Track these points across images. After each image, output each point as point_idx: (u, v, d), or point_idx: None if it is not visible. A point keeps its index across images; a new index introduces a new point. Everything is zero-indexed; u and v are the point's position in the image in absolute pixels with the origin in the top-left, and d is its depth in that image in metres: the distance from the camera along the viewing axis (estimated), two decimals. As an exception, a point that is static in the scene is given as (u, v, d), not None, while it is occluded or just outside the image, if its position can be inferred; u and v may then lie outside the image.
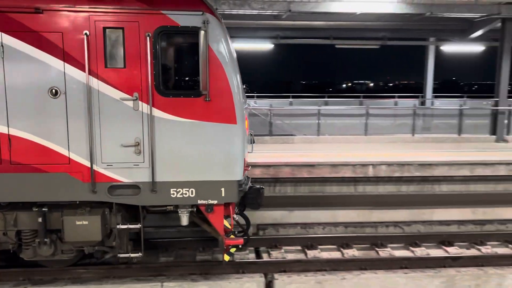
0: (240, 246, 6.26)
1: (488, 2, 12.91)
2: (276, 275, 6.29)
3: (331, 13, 13.61)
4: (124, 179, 5.71)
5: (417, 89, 27.53)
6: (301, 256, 7.67)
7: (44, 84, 5.48)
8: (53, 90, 5.49)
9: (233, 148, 5.79)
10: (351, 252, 7.74)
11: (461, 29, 16.57)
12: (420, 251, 7.86)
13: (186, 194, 5.79)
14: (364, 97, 23.35)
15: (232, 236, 6.26)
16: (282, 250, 7.72)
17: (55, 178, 5.62)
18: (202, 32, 5.33)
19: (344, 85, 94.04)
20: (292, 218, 9.11)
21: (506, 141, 14.41)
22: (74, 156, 5.61)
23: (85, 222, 5.75)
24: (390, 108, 18.20)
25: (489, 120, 14.70)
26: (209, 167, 5.76)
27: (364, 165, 10.47)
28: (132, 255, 6.13)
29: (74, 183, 5.65)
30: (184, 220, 6.06)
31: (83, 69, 5.48)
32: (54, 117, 5.53)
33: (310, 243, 7.98)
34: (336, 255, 7.73)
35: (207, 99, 5.60)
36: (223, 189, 5.82)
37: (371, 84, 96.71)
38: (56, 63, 5.47)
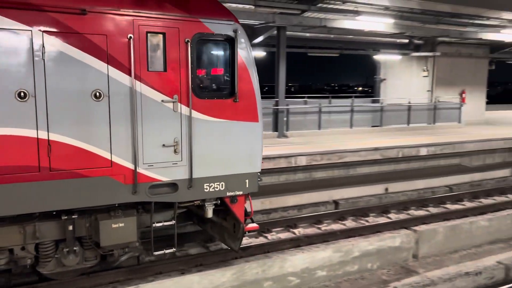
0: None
1: (265, 11, 14.24)
2: None
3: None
4: (163, 178, 5.87)
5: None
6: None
7: (87, 87, 5.32)
8: (97, 93, 5.37)
9: (255, 143, 6.46)
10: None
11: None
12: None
13: (217, 187, 6.23)
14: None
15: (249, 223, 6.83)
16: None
17: (96, 182, 5.48)
18: (232, 40, 6.02)
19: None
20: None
21: (286, 136, 16.17)
22: (116, 159, 5.56)
23: (121, 224, 5.73)
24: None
25: (271, 118, 16.24)
26: (236, 162, 6.32)
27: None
28: (167, 251, 6.27)
29: (116, 185, 5.60)
30: (210, 213, 6.46)
31: (126, 72, 5.48)
32: (96, 121, 5.40)
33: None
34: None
35: (236, 100, 6.15)
36: (247, 181, 6.44)
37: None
38: (100, 66, 5.35)
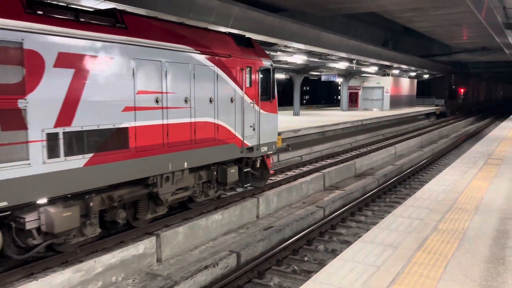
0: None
1: None
2: None
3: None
4: (250, 144, 10.70)
5: None
6: None
7: (228, 96, 9.90)
8: (231, 99, 10.00)
9: (276, 125, 11.85)
10: None
11: None
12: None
13: (265, 149, 11.32)
14: None
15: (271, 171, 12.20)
16: None
17: (230, 146, 10.04)
18: (271, 69, 11.23)
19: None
20: None
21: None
22: (236, 134, 10.22)
23: (233, 171, 10.39)
24: None
25: None
26: (271, 135, 11.56)
27: None
28: (245, 185, 11.14)
29: (236, 148, 10.25)
30: (258, 164, 11.39)
31: (240, 88, 10.27)
32: (231, 113, 10.00)
33: None
34: None
35: (271, 101, 11.40)
36: (274, 146, 11.71)
37: None
38: (232, 84, 10.02)
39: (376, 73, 40.29)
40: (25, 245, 6.61)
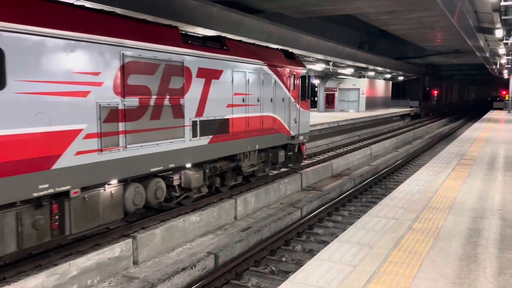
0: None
1: None
2: None
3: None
4: (293, 133, 13.86)
5: None
6: None
7: (281, 96, 13.11)
8: (283, 99, 13.20)
9: (309, 119, 15.15)
10: None
11: None
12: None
13: (302, 137, 14.49)
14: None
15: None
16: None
17: (281, 134, 13.20)
18: (306, 76, 14.43)
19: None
20: None
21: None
22: (285, 125, 13.41)
23: (282, 153, 13.46)
24: None
25: None
26: (306, 127, 14.78)
27: None
28: (289, 165, 14.75)
29: (284, 136, 13.41)
30: (296, 149, 14.59)
31: (288, 90, 13.48)
32: (282, 110, 13.20)
33: None
34: None
35: (306, 101, 14.67)
36: (307, 135, 14.95)
37: None
38: (284, 88, 13.26)
39: (352, 75, 40.78)
40: (169, 197, 9.69)
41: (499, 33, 19.36)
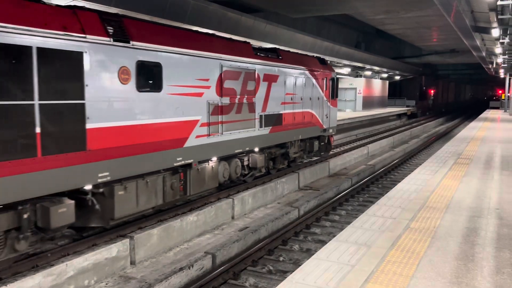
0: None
1: None
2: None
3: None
4: (324, 126, 16.77)
5: None
6: None
7: (317, 95, 15.95)
8: (318, 98, 16.06)
9: (336, 115, 18.19)
10: None
11: None
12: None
13: (331, 130, 17.54)
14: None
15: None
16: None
17: (315, 127, 15.98)
18: (335, 78, 17.52)
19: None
20: None
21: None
22: (319, 119, 16.22)
23: (316, 143, 16.38)
24: None
25: None
26: (334, 121, 17.76)
27: None
28: (324, 155, 18.22)
29: (318, 129, 16.27)
30: (326, 140, 17.52)
31: (322, 91, 16.43)
32: (318, 107, 16.04)
33: None
34: None
35: (334, 99, 17.63)
36: (335, 129, 18.05)
37: None
38: (319, 88, 16.08)
39: (349, 74, 40.84)
40: (238, 175, 12.20)
41: (495, 32, 19.38)
